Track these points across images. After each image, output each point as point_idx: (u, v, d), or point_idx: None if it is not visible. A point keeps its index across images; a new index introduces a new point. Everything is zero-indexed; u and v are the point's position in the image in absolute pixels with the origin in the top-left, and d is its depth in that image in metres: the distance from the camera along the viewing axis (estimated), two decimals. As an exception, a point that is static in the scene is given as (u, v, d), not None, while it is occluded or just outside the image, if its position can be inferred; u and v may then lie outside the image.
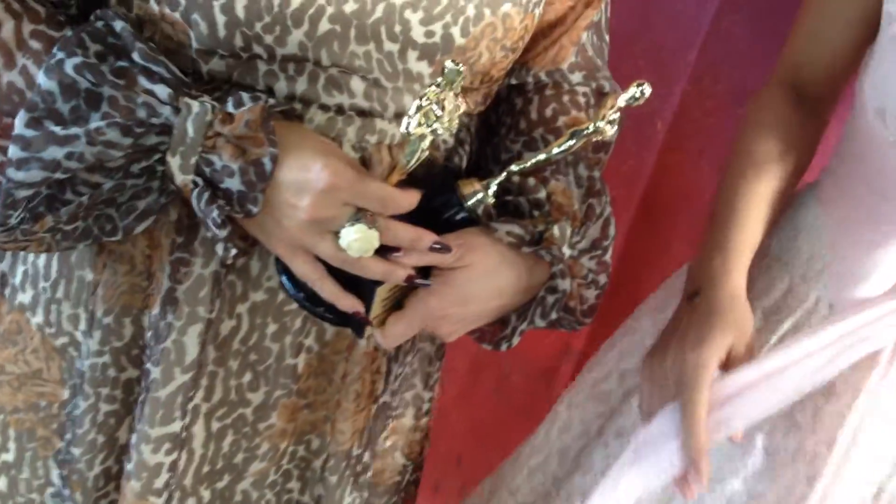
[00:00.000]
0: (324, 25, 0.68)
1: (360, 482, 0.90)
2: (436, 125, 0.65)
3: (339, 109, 0.72)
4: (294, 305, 0.77)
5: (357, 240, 0.67)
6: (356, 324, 0.74)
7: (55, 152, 0.63)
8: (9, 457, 0.82)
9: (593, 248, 0.79)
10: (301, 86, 0.71)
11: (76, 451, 0.80)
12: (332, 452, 0.85)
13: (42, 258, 0.78)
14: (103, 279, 0.76)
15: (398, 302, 0.74)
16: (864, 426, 0.86)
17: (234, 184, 0.65)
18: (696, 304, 0.82)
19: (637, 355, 0.94)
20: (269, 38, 0.68)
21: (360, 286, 0.71)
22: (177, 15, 0.67)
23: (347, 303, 0.71)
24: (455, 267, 0.73)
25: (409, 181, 0.71)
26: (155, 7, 0.68)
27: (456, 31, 0.71)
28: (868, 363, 0.85)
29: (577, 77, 0.84)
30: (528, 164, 0.74)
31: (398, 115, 0.73)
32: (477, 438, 1.32)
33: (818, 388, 0.81)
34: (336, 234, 0.67)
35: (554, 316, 0.78)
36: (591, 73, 0.85)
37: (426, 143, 0.67)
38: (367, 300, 0.72)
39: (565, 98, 0.83)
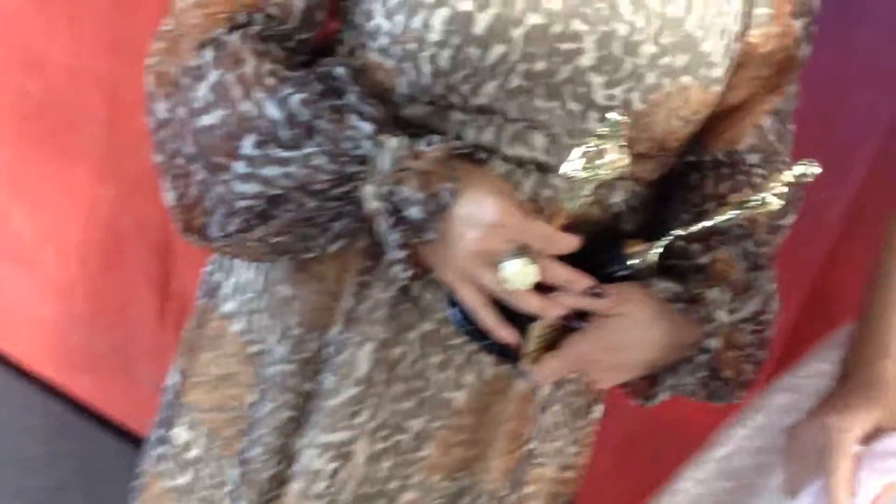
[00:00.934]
0: (514, 80, 0.75)
1: None
2: (597, 171, 0.69)
3: (520, 162, 0.78)
4: (459, 340, 0.82)
5: (517, 273, 0.72)
6: (512, 357, 0.78)
7: (273, 171, 0.74)
8: (198, 453, 0.91)
9: (753, 320, 0.80)
10: (487, 136, 0.78)
11: (255, 452, 0.87)
12: (480, 490, 0.88)
13: (251, 272, 0.88)
14: (299, 295, 0.84)
15: (552, 343, 0.78)
16: None
17: (415, 212, 0.72)
18: (844, 382, 0.82)
19: (769, 432, 0.93)
20: (465, 88, 0.76)
21: (519, 322, 0.76)
22: (391, 62, 0.77)
23: (505, 333, 0.76)
24: (609, 315, 0.76)
25: (576, 233, 0.75)
26: (375, 57, 0.78)
27: (635, 97, 0.76)
28: None
29: (753, 158, 0.87)
30: (693, 229, 0.77)
31: None
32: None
33: None
34: (499, 267, 0.73)
35: (702, 374, 0.79)
36: (770, 156, 0.87)
37: (587, 188, 0.71)
38: (523, 335, 0.76)
39: (740, 177, 0.86)
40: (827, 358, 0.93)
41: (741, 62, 0.83)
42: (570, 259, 0.75)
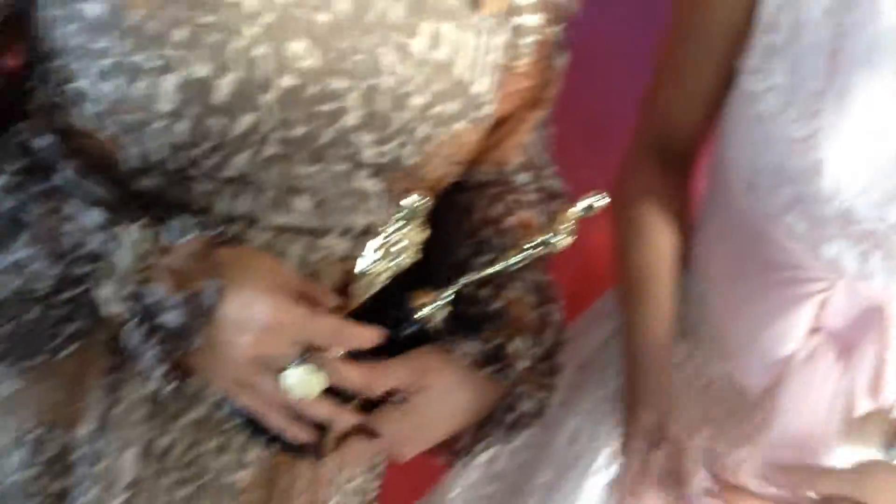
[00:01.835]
0: (269, 149, 0.68)
1: None
2: (399, 259, 0.65)
3: (283, 229, 0.71)
4: (236, 421, 0.76)
5: (300, 383, 0.66)
6: (307, 446, 0.72)
7: None
8: None
9: (548, 354, 0.78)
10: (243, 205, 0.70)
11: None
12: None
13: None
14: (31, 391, 0.74)
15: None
16: None
17: (172, 318, 0.63)
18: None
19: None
20: (208, 164, 0.68)
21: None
22: (107, 133, 0.66)
23: (299, 433, 0.70)
24: (411, 391, 0.71)
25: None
26: (79, 123, 0.67)
27: (407, 151, 0.71)
28: None
29: (523, 177, 0.84)
30: (482, 274, 0.73)
31: (346, 232, 0.73)
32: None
33: None
34: (280, 375, 0.66)
35: (514, 435, 0.77)
36: (538, 172, 0.85)
37: (385, 276, 0.66)
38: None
39: (510, 198, 0.82)
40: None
41: (502, 81, 0.78)
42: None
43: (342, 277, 0.73)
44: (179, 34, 0.63)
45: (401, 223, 0.65)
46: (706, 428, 0.92)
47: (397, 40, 0.69)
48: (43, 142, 0.67)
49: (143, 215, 0.66)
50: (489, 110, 0.76)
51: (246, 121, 0.66)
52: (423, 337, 0.73)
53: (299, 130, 0.68)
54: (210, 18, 0.64)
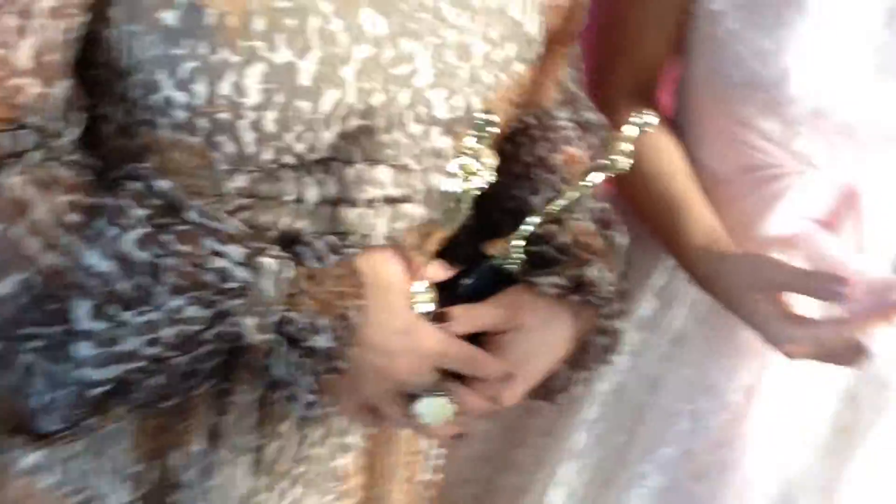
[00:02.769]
0: (353, 122, 0.67)
1: None
2: (477, 180, 0.65)
3: (369, 203, 0.71)
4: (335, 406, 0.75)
5: (433, 413, 0.67)
6: None
7: (133, 343, 0.61)
8: None
9: (619, 280, 0.79)
10: (332, 188, 0.69)
11: None
12: None
13: None
14: (131, 427, 0.71)
15: None
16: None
17: (321, 341, 0.63)
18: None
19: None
20: (300, 147, 0.66)
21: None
22: (196, 139, 0.65)
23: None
24: (507, 329, 0.72)
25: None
26: (168, 134, 0.66)
27: (476, 101, 0.72)
28: None
29: (563, 114, 0.86)
30: (550, 211, 0.74)
31: (426, 196, 0.73)
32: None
33: None
34: (409, 398, 0.67)
35: (610, 357, 0.79)
36: (575, 106, 0.87)
37: (466, 201, 0.67)
38: None
39: (554, 135, 0.84)
40: None
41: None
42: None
43: (422, 242, 0.74)
44: (258, 23, 0.63)
45: (475, 139, 0.65)
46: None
47: None
48: (165, 185, 0.64)
49: (273, 242, 0.66)
50: (539, 49, 0.77)
51: (330, 98, 0.65)
52: (503, 284, 0.74)
53: (378, 98, 0.67)
54: (285, 3, 0.63)
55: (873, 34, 0.88)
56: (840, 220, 0.94)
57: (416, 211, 0.73)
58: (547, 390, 0.79)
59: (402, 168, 0.71)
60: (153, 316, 0.61)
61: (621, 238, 0.80)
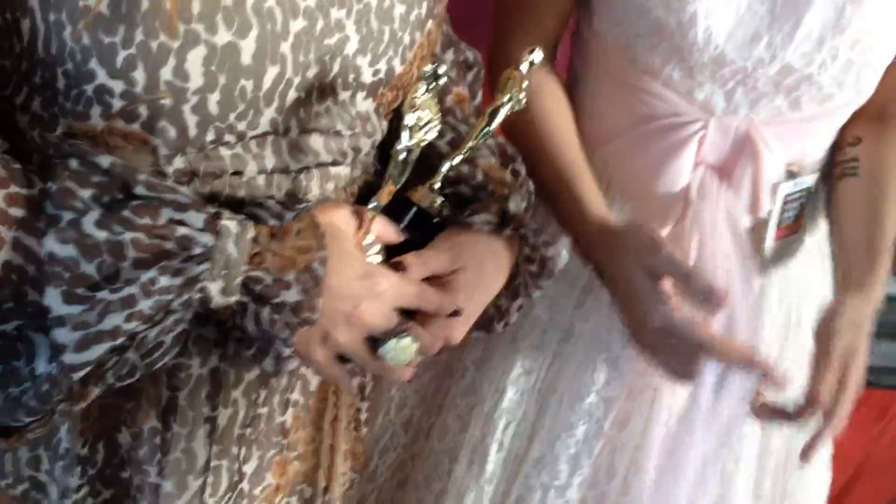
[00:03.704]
0: (291, 96, 0.68)
1: None
2: (428, 129, 0.67)
3: (301, 169, 0.72)
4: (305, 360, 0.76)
5: (403, 351, 0.69)
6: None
7: (114, 319, 0.60)
8: None
9: (529, 206, 0.82)
10: (269, 161, 0.70)
11: None
12: (332, 497, 0.86)
13: None
14: (74, 412, 0.70)
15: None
16: None
17: (290, 295, 0.64)
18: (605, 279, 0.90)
19: None
20: (241, 125, 0.67)
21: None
22: (135, 126, 0.64)
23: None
24: (451, 272, 0.75)
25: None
26: (100, 123, 0.64)
27: (396, 63, 0.74)
28: None
29: (449, 55, 0.88)
30: (464, 153, 0.78)
31: (352, 158, 0.75)
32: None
33: None
34: (374, 341, 0.69)
35: (544, 283, 0.83)
36: (456, 46, 0.89)
37: (414, 156, 0.69)
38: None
39: (442, 80, 0.84)
40: None
41: None
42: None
43: (349, 202, 0.76)
44: (195, 5, 0.61)
45: (424, 91, 0.66)
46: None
47: None
48: (106, 161, 0.62)
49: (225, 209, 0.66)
50: (442, 3, 0.80)
51: (271, 74, 0.66)
52: (429, 229, 0.77)
53: (314, 70, 0.69)
54: None
55: None
56: (737, 165, 0.96)
57: (343, 172, 0.75)
58: (486, 321, 0.82)
59: (334, 134, 0.72)
60: (130, 290, 0.60)
61: (522, 167, 0.84)
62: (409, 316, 0.72)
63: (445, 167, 0.77)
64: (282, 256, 0.65)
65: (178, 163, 0.67)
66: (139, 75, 0.61)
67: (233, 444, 0.76)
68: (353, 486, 0.95)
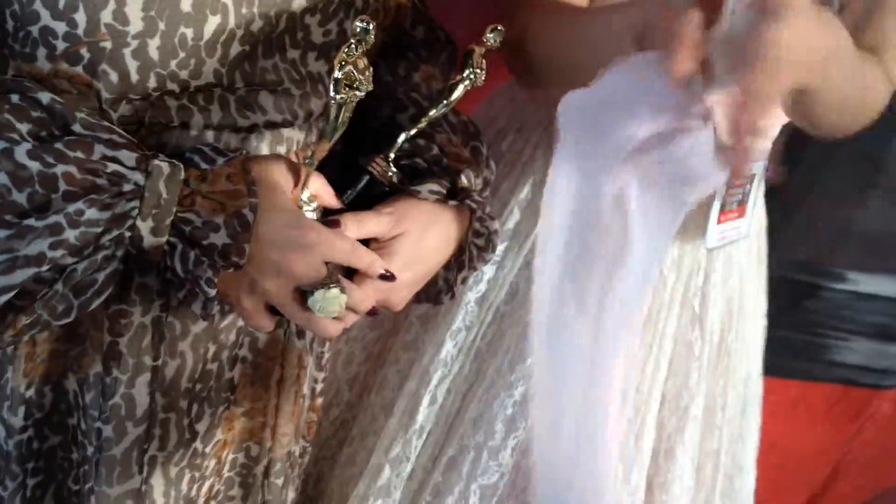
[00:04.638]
0: (235, 49, 0.69)
1: (298, 474, 0.92)
2: (358, 87, 0.67)
3: (252, 128, 0.73)
4: (227, 321, 0.78)
5: (330, 303, 0.68)
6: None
7: (39, 245, 0.61)
8: None
9: (485, 185, 0.83)
10: (215, 115, 0.70)
11: None
12: (275, 457, 0.87)
13: None
14: (19, 353, 0.73)
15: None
16: None
17: (219, 238, 0.65)
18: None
19: None
20: (184, 74, 0.68)
21: None
22: (78, 69, 0.65)
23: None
24: (393, 235, 0.75)
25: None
26: (46, 65, 0.65)
27: (348, 25, 0.74)
28: None
29: (419, 31, 0.87)
30: (421, 125, 0.78)
31: (304, 119, 0.75)
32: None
33: None
34: (303, 293, 0.68)
35: (489, 256, 0.83)
36: (430, 24, 0.88)
37: (347, 110, 0.68)
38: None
39: (411, 54, 0.86)
40: None
41: None
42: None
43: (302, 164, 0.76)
44: None
45: (354, 47, 0.66)
46: None
47: None
48: (46, 98, 0.64)
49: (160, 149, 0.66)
50: None
51: (212, 24, 0.67)
52: (380, 198, 0.77)
53: (258, 23, 0.69)
54: None
55: None
56: None
57: (295, 135, 0.76)
58: (431, 292, 0.82)
59: (283, 93, 0.73)
60: (56, 219, 0.61)
61: (483, 147, 0.84)
62: (347, 275, 0.72)
63: (401, 139, 0.78)
64: (212, 200, 0.65)
65: (124, 110, 0.68)
66: (80, 17, 0.63)
67: (181, 398, 0.77)
68: (307, 455, 0.96)
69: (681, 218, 0.65)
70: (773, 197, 1.09)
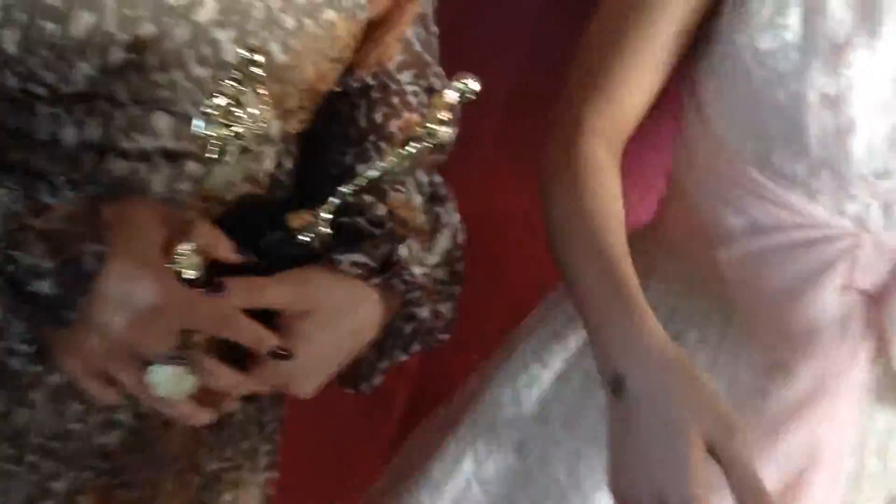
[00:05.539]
0: (116, 55, 0.63)
1: None
2: (234, 126, 0.58)
3: (143, 155, 0.65)
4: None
5: (168, 383, 0.62)
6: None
7: None
8: None
9: (445, 260, 0.74)
10: (94, 131, 0.64)
11: None
12: None
13: None
14: None
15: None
16: None
17: (44, 286, 0.58)
18: (628, 400, 0.71)
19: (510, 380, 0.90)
20: (50, 77, 0.63)
21: None
22: None
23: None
24: (301, 311, 0.66)
25: (232, 220, 0.65)
26: None
27: (275, 48, 0.66)
28: None
29: (406, 77, 0.79)
30: (362, 182, 0.68)
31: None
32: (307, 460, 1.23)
33: None
34: (148, 370, 0.61)
35: (416, 347, 0.74)
36: (422, 70, 0.80)
37: (229, 152, 0.59)
38: None
39: (394, 100, 0.78)
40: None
41: None
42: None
43: (209, 209, 0.67)
44: None
45: (235, 82, 0.57)
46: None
47: None
48: None
49: (10, 176, 0.61)
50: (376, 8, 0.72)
51: (84, 21, 0.62)
52: (306, 262, 0.68)
53: (147, 29, 0.63)
54: None
55: None
56: (891, 296, 0.79)
57: (201, 171, 0.66)
58: (352, 377, 0.74)
59: (184, 117, 0.65)
60: None
61: (450, 216, 0.75)
62: (240, 354, 0.64)
63: (339, 192, 0.67)
64: (49, 240, 0.58)
65: None
66: None
67: (29, 453, 0.70)
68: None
69: None
70: None
